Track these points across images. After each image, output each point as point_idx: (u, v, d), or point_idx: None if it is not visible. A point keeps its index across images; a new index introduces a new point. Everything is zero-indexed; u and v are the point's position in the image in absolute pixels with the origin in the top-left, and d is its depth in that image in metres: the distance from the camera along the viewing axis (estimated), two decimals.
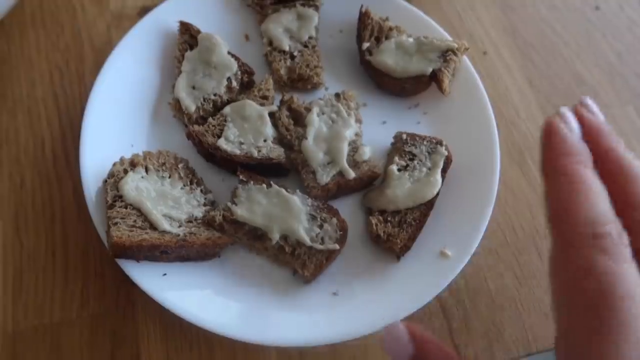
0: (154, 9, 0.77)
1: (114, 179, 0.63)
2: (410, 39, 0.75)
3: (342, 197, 0.70)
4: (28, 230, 0.67)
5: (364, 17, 0.76)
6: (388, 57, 0.74)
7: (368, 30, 0.76)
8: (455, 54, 0.74)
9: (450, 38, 0.77)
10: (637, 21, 0.88)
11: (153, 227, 0.61)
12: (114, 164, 0.64)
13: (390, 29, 0.76)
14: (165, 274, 0.62)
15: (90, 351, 0.61)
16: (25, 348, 0.61)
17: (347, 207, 0.69)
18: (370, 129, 0.73)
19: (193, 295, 0.62)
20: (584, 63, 0.85)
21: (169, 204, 0.64)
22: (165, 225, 0.61)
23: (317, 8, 0.78)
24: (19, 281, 0.64)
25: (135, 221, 0.61)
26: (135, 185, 0.63)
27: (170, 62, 0.75)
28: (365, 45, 0.76)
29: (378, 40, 0.76)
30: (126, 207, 0.61)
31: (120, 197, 0.62)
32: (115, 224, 0.60)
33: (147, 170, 0.65)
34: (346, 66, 0.79)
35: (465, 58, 0.76)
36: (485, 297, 0.68)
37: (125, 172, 0.64)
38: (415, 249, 0.66)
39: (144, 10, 0.81)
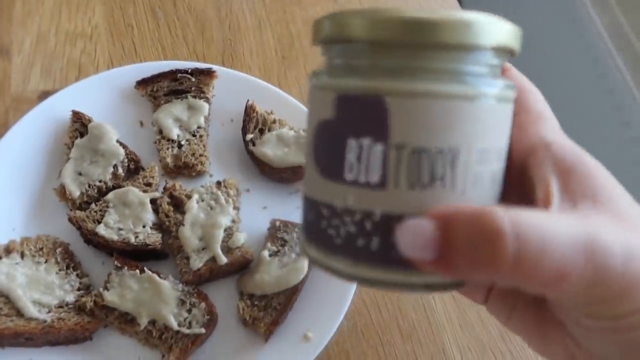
0: (52, 95, 0.82)
1: None
2: (291, 132, 0.83)
3: (217, 281, 0.74)
4: None
5: (249, 109, 0.84)
6: (268, 149, 0.81)
7: (253, 123, 0.83)
8: None
9: None
10: None
11: (20, 313, 0.63)
12: None
13: (274, 121, 0.84)
14: (31, 359, 0.63)
15: None
16: None
17: (223, 291, 0.73)
18: (250, 213, 0.79)
19: None
20: None
21: (40, 289, 0.66)
22: (32, 312, 0.63)
23: (208, 100, 0.85)
24: None
25: (1, 309, 0.63)
26: (7, 272, 0.65)
27: (60, 148, 0.79)
28: (249, 136, 0.82)
29: (262, 132, 0.83)
30: None
31: None
32: None
33: (22, 255, 0.68)
34: (234, 153, 0.85)
35: None
36: None
37: (0, 258, 0.66)
38: (281, 332, 0.70)
39: (44, 94, 0.85)
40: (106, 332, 0.69)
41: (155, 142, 0.82)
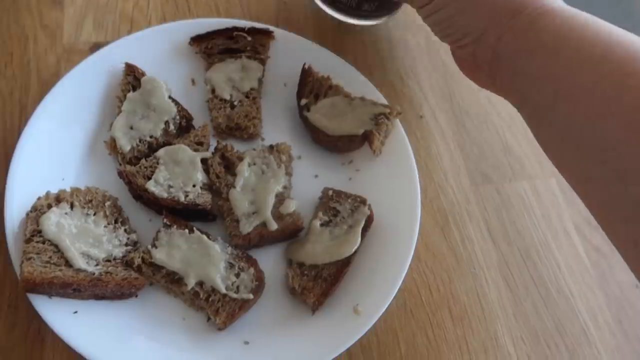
0: (105, 46, 0.80)
1: (36, 213, 0.64)
2: (347, 99, 0.79)
3: (265, 247, 0.71)
4: None
5: (305, 74, 0.80)
6: (324, 115, 0.77)
7: (308, 87, 0.80)
8: (387, 117, 0.77)
9: (385, 101, 0.81)
10: None
11: (69, 264, 0.62)
12: (38, 198, 0.65)
13: (330, 87, 0.80)
14: (76, 312, 0.62)
15: None
16: None
17: (271, 257, 0.71)
18: (302, 181, 0.76)
19: (103, 336, 0.62)
20: (514, 134, 0.90)
21: (89, 241, 0.64)
22: (80, 263, 0.62)
23: (262, 61, 0.81)
24: None
25: (50, 257, 0.61)
26: (57, 221, 0.63)
27: (112, 100, 0.77)
28: (304, 101, 0.79)
29: (317, 97, 0.80)
30: (44, 243, 0.62)
31: (40, 232, 0.62)
32: (29, 259, 0.60)
33: (72, 206, 0.66)
34: (286, 119, 0.82)
35: (398, 121, 0.79)
36: (395, 356, 0.70)
37: (49, 207, 0.65)
38: (330, 304, 0.68)
39: (95, 46, 0.83)
40: (152, 290, 0.67)
41: (208, 102, 0.79)
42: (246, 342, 0.65)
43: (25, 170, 0.69)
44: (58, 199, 0.66)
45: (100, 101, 0.77)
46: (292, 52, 0.83)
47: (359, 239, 0.69)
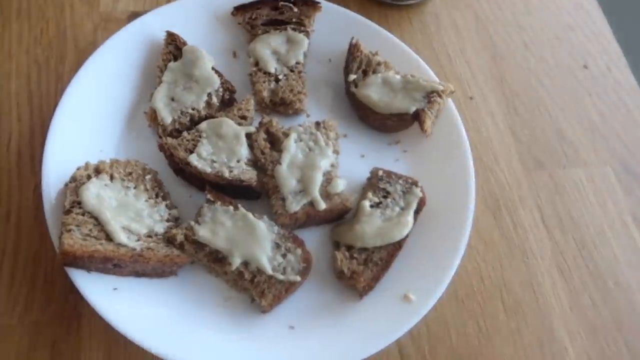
0: (144, 15, 0.76)
1: (75, 184, 0.61)
2: (397, 76, 0.75)
3: (310, 228, 0.68)
4: None
5: (353, 48, 0.76)
6: (373, 92, 0.73)
7: (356, 62, 0.76)
8: (440, 96, 0.73)
9: (437, 79, 0.77)
10: (623, 83, 0.89)
11: (109, 238, 0.59)
12: (78, 169, 0.62)
13: (379, 63, 0.76)
14: (116, 288, 0.59)
15: None
16: None
17: (314, 239, 0.67)
18: (347, 161, 0.72)
19: (142, 314, 0.59)
20: (567, 119, 0.85)
21: (130, 215, 0.61)
22: (122, 237, 0.59)
23: (307, 34, 0.78)
24: None
25: (90, 230, 0.58)
26: (97, 193, 0.60)
27: (151, 70, 0.73)
28: (352, 77, 0.75)
29: (365, 73, 0.76)
30: (84, 215, 0.59)
31: (79, 203, 0.59)
32: (69, 230, 0.57)
33: (112, 178, 0.63)
34: (330, 95, 0.78)
35: (450, 101, 0.75)
36: (446, 346, 0.66)
37: (89, 177, 0.62)
38: (379, 289, 0.64)
39: (133, 15, 0.80)
40: (192, 269, 0.64)
41: (250, 75, 0.75)
42: (291, 327, 0.62)
43: (62, 141, 0.66)
44: (97, 170, 0.62)
45: (138, 71, 0.74)
46: (337, 26, 0.79)
47: (412, 222, 0.65)
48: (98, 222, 0.59)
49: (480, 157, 0.79)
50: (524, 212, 0.76)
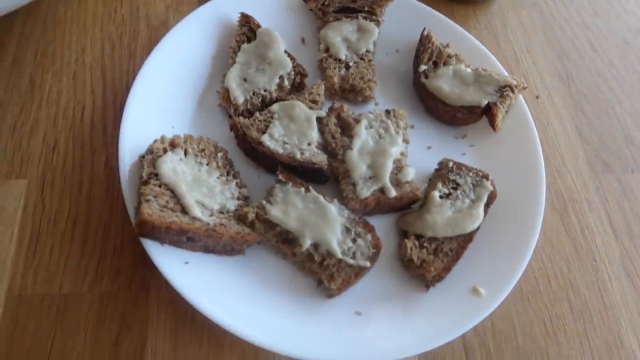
0: None
1: (152, 156, 0.61)
2: (469, 69, 0.74)
3: (377, 215, 0.67)
4: (53, 194, 0.65)
5: (425, 39, 0.75)
6: (444, 83, 0.73)
7: (427, 54, 0.75)
8: (512, 90, 0.72)
9: (508, 75, 0.75)
10: None
11: (184, 211, 0.59)
12: (155, 141, 0.62)
13: (450, 55, 0.75)
14: (187, 262, 0.59)
15: (95, 329, 0.58)
16: (28, 314, 0.58)
17: (381, 226, 0.66)
18: (414, 151, 0.71)
19: (211, 289, 0.59)
20: (636, 124, 0.83)
21: (203, 191, 0.61)
22: (197, 211, 0.59)
23: (378, 23, 0.77)
24: (34, 244, 0.62)
25: (167, 202, 0.58)
26: (173, 166, 0.60)
27: (224, 52, 0.73)
28: (423, 67, 0.74)
29: (435, 65, 0.75)
30: (160, 186, 0.59)
31: (156, 175, 0.60)
32: (148, 201, 0.57)
33: (186, 153, 0.63)
34: (398, 86, 0.78)
35: (521, 97, 0.74)
36: (511, 344, 0.64)
37: (165, 151, 0.62)
38: (447, 281, 0.63)
39: None
40: (260, 249, 0.63)
41: (321, 61, 0.75)
42: (357, 313, 0.61)
43: (137, 116, 0.66)
44: (173, 144, 0.63)
45: (211, 52, 0.74)
46: (407, 17, 0.79)
47: (482, 215, 0.64)
48: (174, 194, 0.59)
49: (547, 158, 0.77)
50: (591, 215, 0.74)
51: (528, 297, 0.68)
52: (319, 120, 0.69)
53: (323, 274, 0.60)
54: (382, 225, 0.67)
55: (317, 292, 0.62)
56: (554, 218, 0.73)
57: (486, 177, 0.67)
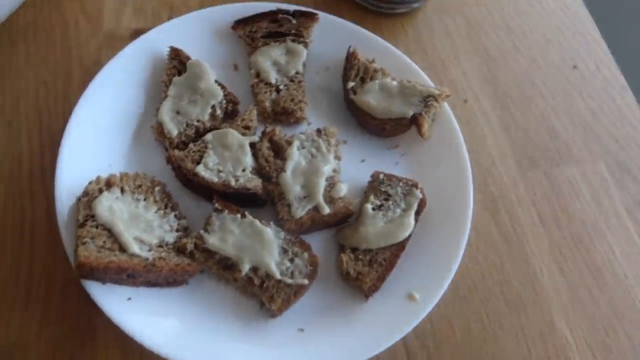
0: (147, 32, 0.78)
1: (88, 198, 0.63)
2: (394, 82, 0.77)
3: (315, 232, 0.70)
4: None
5: (351, 57, 0.79)
6: (371, 98, 0.76)
7: (354, 70, 0.78)
8: (436, 100, 0.76)
9: (432, 84, 0.79)
10: (611, 81, 0.92)
11: (122, 249, 0.61)
12: (90, 183, 0.64)
13: (376, 70, 0.78)
14: (129, 298, 0.61)
15: None
16: None
17: (320, 243, 0.70)
18: (348, 166, 0.74)
19: (156, 322, 0.61)
20: (559, 118, 0.88)
21: (141, 226, 0.63)
22: (135, 248, 0.61)
23: (306, 45, 0.80)
24: None
25: (104, 242, 0.60)
26: (109, 206, 0.62)
27: (157, 86, 0.75)
28: (350, 84, 0.77)
29: (363, 80, 0.78)
30: (97, 227, 0.61)
31: (93, 216, 0.61)
32: (84, 243, 0.59)
33: (122, 191, 0.65)
34: (330, 103, 0.81)
35: (445, 105, 0.78)
36: (451, 344, 0.68)
37: (101, 191, 0.64)
38: (384, 289, 0.66)
39: (136, 33, 0.82)
40: (202, 277, 0.66)
41: (252, 86, 0.78)
42: (300, 329, 0.64)
43: (73, 157, 0.68)
44: (109, 183, 0.64)
45: (143, 87, 0.76)
46: (334, 35, 0.82)
47: (413, 223, 0.68)
48: (111, 234, 0.61)
49: (476, 159, 0.81)
50: (521, 210, 0.79)
51: (465, 296, 0.71)
52: (253, 145, 0.71)
53: (264, 296, 0.63)
54: (322, 240, 0.70)
55: (260, 313, 0.64)
56: (486, 217, 0.77)
57: (415, 185, 0.71)
